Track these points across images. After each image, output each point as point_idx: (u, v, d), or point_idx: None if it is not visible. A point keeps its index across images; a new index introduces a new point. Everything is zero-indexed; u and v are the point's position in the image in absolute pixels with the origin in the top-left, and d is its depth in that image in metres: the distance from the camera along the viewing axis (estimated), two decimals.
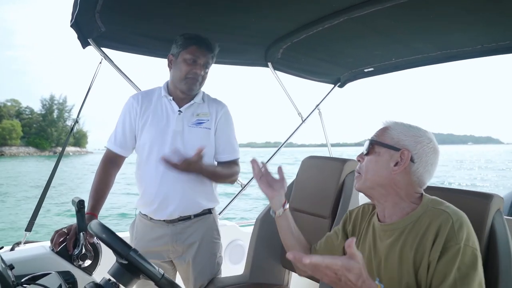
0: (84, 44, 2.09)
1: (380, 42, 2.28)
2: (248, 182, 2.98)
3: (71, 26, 1.88)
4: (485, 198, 1.27)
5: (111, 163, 1.87)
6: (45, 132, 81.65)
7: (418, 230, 1.10)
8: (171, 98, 1.85)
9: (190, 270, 1.90)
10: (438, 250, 1.03)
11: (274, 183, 1.43)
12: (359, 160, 1.26)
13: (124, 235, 2.03)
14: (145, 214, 1.90)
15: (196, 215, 1.90)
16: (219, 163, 1.96)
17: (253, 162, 1.45)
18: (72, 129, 2.27)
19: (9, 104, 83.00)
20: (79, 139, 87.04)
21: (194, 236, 1.89)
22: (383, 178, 1.17)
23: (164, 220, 1.85)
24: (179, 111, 1.85)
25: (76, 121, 2.29)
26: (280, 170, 1.45)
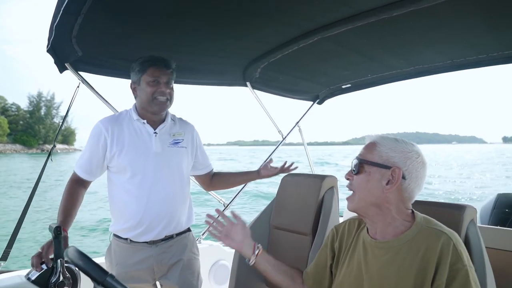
0: (61, 68, 2.08)
1: (355, 60, 2.34)
2: (230, 202, 2.97)
3: (48, 51, 1.88)
4: (459, 209, 1.30)
5: (77, 184, 1.85)
6: (32, 129, 79.96)
7: (416, 250, 1.09)
8: (144, 121, 1.86)
9: None
10: (445, 273, 1.02)
11: (235, 231, 1.39)
12: (348, 179, 1.23)
13: (102, 260, 1.99)
14: (125, 238, 1.85)
15: (177, 234, 1.92)
16: (203, 175, 2.15)
17: (210, 219, 1.41)
18: (50, 152, 2.24)
19: None
20: (67, 137, 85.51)
21: (177, 255, 1.90)
22: (376, 197, 1.15)
23: (147, 242, 1.83)
24: (155, 132, 1.86)
25: (54, 145, 2.29)
26: (234, 214, 1.41)
